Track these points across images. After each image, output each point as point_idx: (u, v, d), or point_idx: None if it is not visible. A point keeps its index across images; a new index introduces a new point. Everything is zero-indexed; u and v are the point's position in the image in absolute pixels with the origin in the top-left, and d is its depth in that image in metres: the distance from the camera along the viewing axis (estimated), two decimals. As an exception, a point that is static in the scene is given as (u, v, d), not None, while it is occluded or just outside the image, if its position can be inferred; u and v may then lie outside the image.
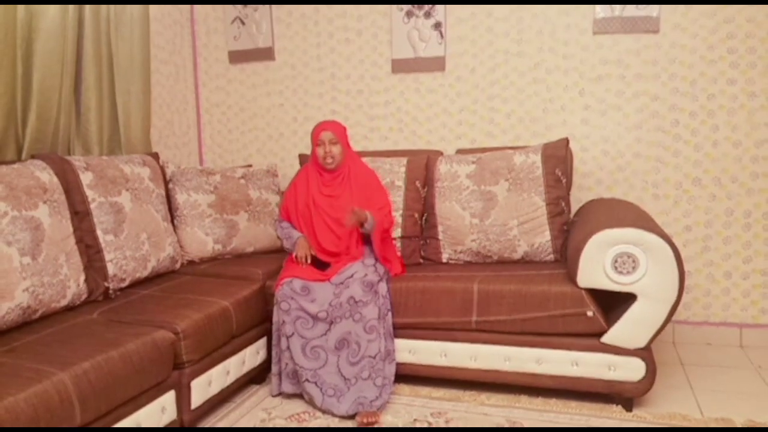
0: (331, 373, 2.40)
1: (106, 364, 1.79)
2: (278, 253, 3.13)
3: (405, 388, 2.58)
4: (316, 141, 2.69)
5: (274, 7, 3.63)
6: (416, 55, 3.40)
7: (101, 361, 1.78)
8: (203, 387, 2.25)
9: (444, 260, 2.90)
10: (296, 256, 2.61)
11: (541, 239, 2.73)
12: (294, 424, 2.31)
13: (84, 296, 2.32)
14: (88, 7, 2.77)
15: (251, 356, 2.58)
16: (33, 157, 2.42)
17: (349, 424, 2.31)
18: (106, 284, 2.43)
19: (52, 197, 2.23)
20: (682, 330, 3.13)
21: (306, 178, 2.76)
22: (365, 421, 2.26)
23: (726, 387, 2.57)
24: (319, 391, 2.39)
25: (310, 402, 2.42)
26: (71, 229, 2.30)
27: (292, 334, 2.43)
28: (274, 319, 2.52)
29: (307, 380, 2.41)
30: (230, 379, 2.43)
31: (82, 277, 2.30)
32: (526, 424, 2.25)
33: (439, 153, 3.14)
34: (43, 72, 2.54)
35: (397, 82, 3.47)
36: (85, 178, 2.46)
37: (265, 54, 3.69)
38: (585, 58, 3.15)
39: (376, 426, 2.26)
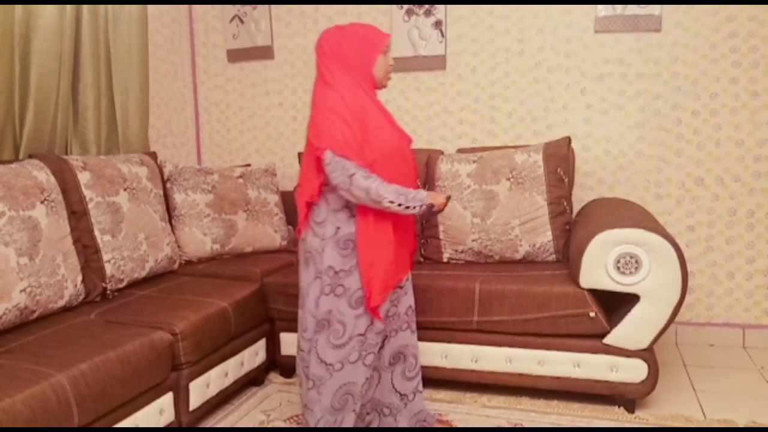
0: (385, 391, 2.13)
1: (103, 366, 1.78)
2: (277, 252, 3.12)
3: (405, 390, 2.56)
4: (381, 47, 1.96)
5: (273, 5, 3.61)
6: (416, 53, 3.38)
7: (99, 363, 1.77)
8: (201, 389, 2.23)
9: (445, 260, 2.89)
10: (439, 207, 1.92)
11: (542, 239, 2.71)
12: (293, 426, 2.29)
13: (81, 297, 2.30)
14: (86, 6, 2.75)
15: (250, 358, 2.56)
16: (30, 156, 2.41)
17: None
18: (103, 285, 2.41)
19: (50, 197, 2.22)
20: (684, 331, 3.11)
21: (362, 98, 1.94)
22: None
23: (729, 388, 2.56)
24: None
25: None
26: (69, 229, 2.28)
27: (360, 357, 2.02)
28: (371, 341, 1.97)
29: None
30: (229, 381, 2.41)
31: (80, 278, 2.28)
32: (528, 426, 2.24)
33: (440, 152, 3.12)
34: (40, 71, 2.52)
35: (398, 81, 3.45)
36: (83, 177, 2.44)
37: (264, 53, 3.67)
38: (587, 57, 3.13)
39: (382, 426, 2.24)
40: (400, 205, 1.84)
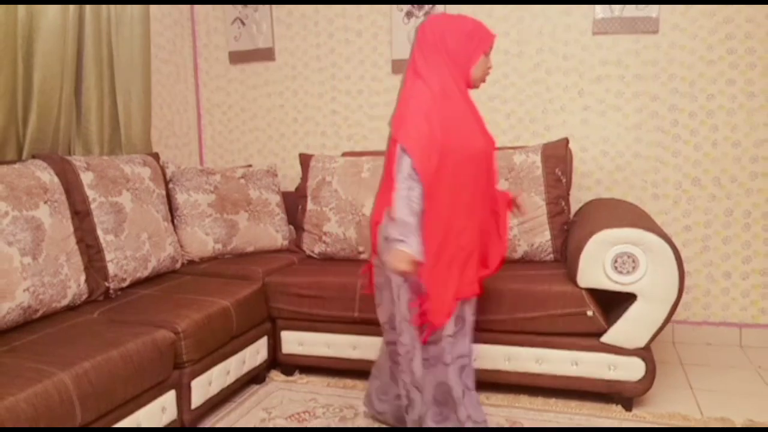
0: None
1: (106, 364, 1.79)
2: (278, 252, 3.14)
3: (405, 388, 2.58)
4: (486, 47, 1.88)
5: (274, 7, 3.63)
6: (416, 55, 3.39)
7: (102, 361, 1.78)
8: (203, 387, 2.25)
9: (444, 260, 2.90)
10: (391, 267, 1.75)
11: (541, 239, 2.74)
12: (294, 424, 2.31)
13: (84, 296, 2.32)
14: (88, 7, 2.77)
15: (251, 356, 2.58)
16: (34, 156, 2.42)
17: (351, 424, 2.31)
18: (106, 284, 2.43)
19: (53, 197, 2.24)
20: (681, 330, 3.13)
21: (453, 94, 1.85)
22: None
23: (726, 387, 2.58)
24: None
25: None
26: (72, 229, 2.30)
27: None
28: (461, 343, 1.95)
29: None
30: (230, 379, 2.43)
31: (83, 277, 2.30)
32: (526, 424, 2.26)
33: (439, 153, 3.13)
34: (43, 72, 2.54)
35: (398, 83, 3.44)
36: (86, 178, 2.46)
37: (266, 54, 3.70)
38: (584, 59, 3.15)
39: (381, 426, 2.26)
40: (392, 229, 1.72)
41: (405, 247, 1.68)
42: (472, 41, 1.85)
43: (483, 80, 1.92)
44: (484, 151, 1.89)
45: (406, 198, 1.70)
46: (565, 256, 2.66)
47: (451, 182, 1.77)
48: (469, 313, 2.01)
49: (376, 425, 2.28)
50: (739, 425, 2.22)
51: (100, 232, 2.44)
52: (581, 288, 2.32)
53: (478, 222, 1.85)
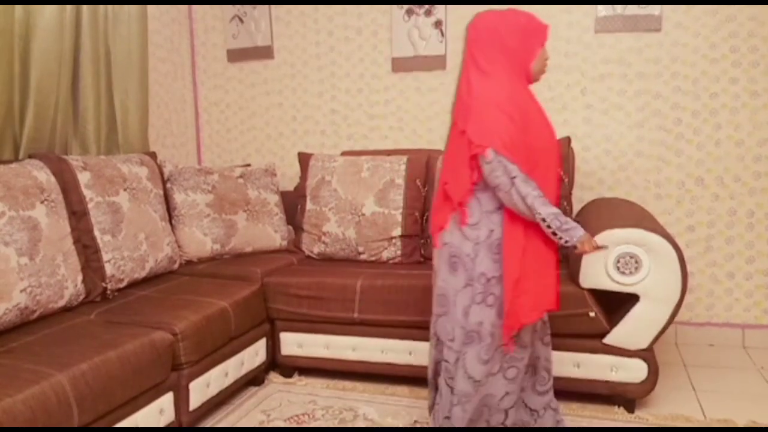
0: (518, 406, 1.97)
1: (103, 366, 1.78)
2: (277, 252, 3.12)
3: (405, 390, 2.57)
4: (543, 39, 1.83)
5: (273, 5, 3.61)
6: (416, 53, 3.38)
7: (99, 363, 1.77)
8: (202, 388, 2.24)
9: (445, 260, 2.88)
10: (582, 251, 1.80)
11: (542, 239, 2.71)
12: (293, 426, 2.29)
13: (82, 297, 2.30)
14: (85, 6, 2.75)
15: (250, 357, 2.56)
16: (30, 156, 2.41)
17: (350, 426, 2.29)
18: (103, 285, 2.41)
19: (50, 197, 2.22)
20: (684, 331, 3.12)
21: (521, 91, 1.82)
22: None
23: (728, 388, 2.56)
24: None
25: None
26: (69, 229, 2.29)
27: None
28: (515, 354, 1.85)
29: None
30: (229, 381, 2.41)
31: (80, 278, 2.28)
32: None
33: (440, 152, 3.12)
34: (40, 71, 2.52)
35: (398, 81, 3.46)
36: (83, 177, 2.44)
37: (264, 52, 3.67)
38: (587, 57, 3.13)
39: (385, 427, 2.24)
40: (549, 227, 1.72)
41: (576, 232, 1.74)
42: (528, 35, 1.80)
43: (542, 72, 1.88)
44: (553, 145, 1.90)
45: (539, 197, 1.71)
46: (567, 256, 2.63)
47: (532, 177, 1.74)
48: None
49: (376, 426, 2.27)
50: (741, 426, 2.20)
51: (97, 233, 2.42)
52: (583, 289, 2.30)
53: None
